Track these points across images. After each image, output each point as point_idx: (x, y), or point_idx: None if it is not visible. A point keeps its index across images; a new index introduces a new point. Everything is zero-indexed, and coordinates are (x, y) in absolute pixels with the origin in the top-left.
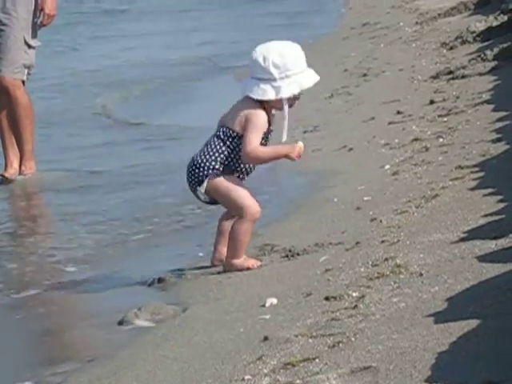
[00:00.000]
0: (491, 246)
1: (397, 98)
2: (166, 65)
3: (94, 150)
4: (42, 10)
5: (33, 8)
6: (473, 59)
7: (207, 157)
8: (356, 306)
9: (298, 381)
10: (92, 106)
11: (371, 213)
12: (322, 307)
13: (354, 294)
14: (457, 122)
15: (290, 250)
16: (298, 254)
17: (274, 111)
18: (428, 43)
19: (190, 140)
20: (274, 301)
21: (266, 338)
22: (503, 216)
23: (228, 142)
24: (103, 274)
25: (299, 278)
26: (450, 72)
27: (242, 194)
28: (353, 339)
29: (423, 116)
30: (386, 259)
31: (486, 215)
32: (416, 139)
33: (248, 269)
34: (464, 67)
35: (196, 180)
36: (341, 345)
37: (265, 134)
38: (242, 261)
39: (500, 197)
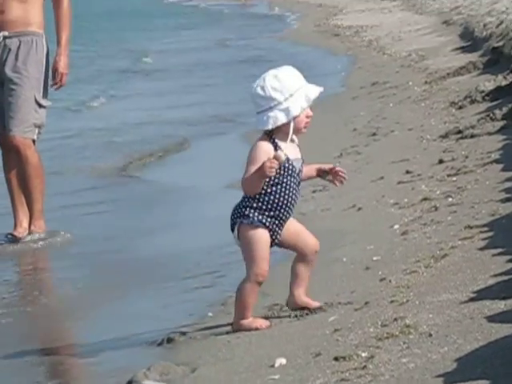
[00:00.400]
0: (500, 306)
1: (406, 157)
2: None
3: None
4: (56, 69)
5: (44, 67)
6: (482, 119)
7: (241, 202)
8: (365, 366)
9: None
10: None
11: (380, 273)
12: (331, 367)
13: (364, 355)
14: (466, 182)
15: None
16: (307, 314)
17: (295, 138)
18: (437, 102)
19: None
20: (284, 361)
21: None
22: None
23: None
24: (113, 334)
25: (308, 337)
26: (459, 131)
27: (257, 251)
28: None
29: (432, 175)
30: (396, 319)
31: (495, 275)
32: (425, 199)
33: (256, 329)
34: (473, 127)
35: (231, 224)
36: None
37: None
38: (249, 321)
39: (509, 257)
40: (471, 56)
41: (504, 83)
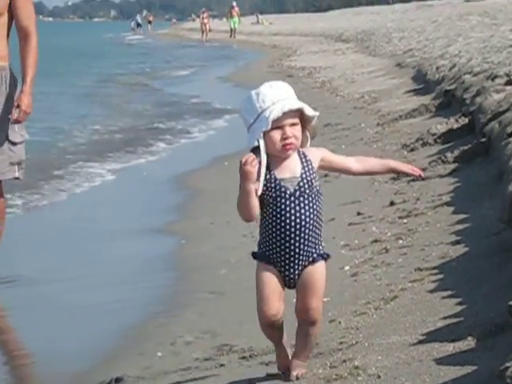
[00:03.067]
0: (449, 348)
1: (357, 199)
2: None
3: None
4: (18, 106)
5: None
6: (433, 161)
7: None
8: None
9: None
10: None
11: (330, 314)
12: None
13: None
14: (417, 224)
15: (248, 351)
16: (256, 355)
17: (286, 152)
18: (389, 144)
19: None
20: None
21: None
22: (461, 319)
23: None
24: (61, 373)
25: (258, 379)
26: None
27: (258, 290)
28: None
29: (383, 217)
30: (344, 361)
31: (444, 317)
32: (376, 240)
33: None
34: (424, 169)
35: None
36: None
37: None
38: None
39: (459, 299)
40: (424, 98)
41: (456, 126)
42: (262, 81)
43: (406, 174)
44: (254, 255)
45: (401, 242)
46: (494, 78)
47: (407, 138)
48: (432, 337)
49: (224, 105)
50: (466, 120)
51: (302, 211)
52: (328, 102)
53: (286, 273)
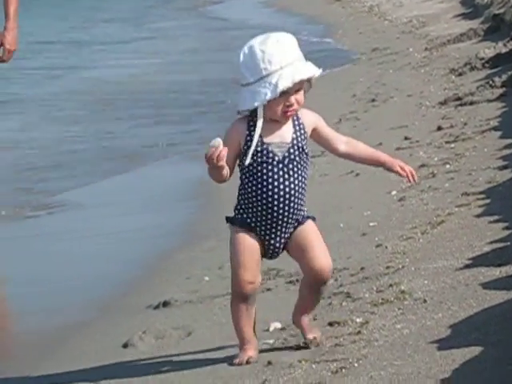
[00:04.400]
0: (496, 273)
1: (404, 123)
2: None
3: None
4: (1, 44)
5: None
6: (481, 86)
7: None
8: (360, 331)
9: None
10: None
11: (377, 239)
12: (325, 332)
13: (358, 320)
14: (464, 149)
15: (294, 275)
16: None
17: (286, 119)
18: (437, 69)
19: None
20: (278, 325)
21: (269, 363)
22: (508, 243)
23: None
24: (109, 297)
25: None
26: (458, 98)
27: (235, 258)
28: (356, 365)
29: (430, 142)
30: (391, 285)
31: (491, 242)
32: (423, 165)
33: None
34: (472, 94)
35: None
36: (344, 370)
37: (245, 150)
38: (240, 352)
39: (505, 224)
40: (472, 23)
41: (504, 50)
42: (306, 6)
43: (398, 174)
44: (231, 220)
45: (448, 166)
46: None
47: (455, 63)
48: (478, 261)
49: None
50: None
51: (291, 179)
52: (376, 27)
53: (272, 241)
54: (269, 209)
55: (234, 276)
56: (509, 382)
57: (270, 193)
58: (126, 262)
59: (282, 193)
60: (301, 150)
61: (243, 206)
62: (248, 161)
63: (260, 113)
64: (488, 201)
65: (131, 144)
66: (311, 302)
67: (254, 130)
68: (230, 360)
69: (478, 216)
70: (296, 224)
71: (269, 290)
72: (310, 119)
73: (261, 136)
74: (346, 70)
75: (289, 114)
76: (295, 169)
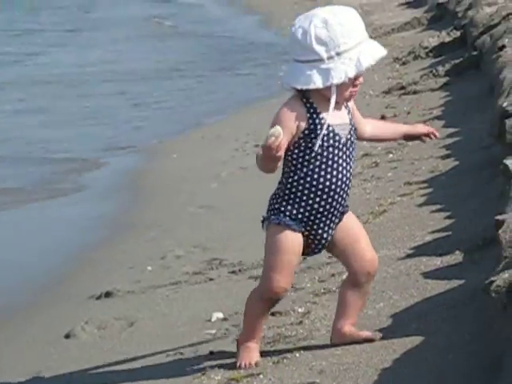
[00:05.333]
0: (437, 262)
1: None
2: None
3: None
4: None
5: None
6: (425, 75)
7: (276, 190)
8: (301, 321)
9: None
10: None
11: None
12: (267, 322)
13: (300, 310)
14: None
15: (237, 265)
16: (245, 269)
17: (350, 100)
18: (381, 58)
19: None
20: (220, 315)
21: (211, 353)
22: (450, 233)
23: (284, 165)
24: (51, 286)
25: (246, 292)
26: (402, 87)
27: (274, 261)
28: (297, 355)
29: None
30: (333, 275)
31: (432, 232)
32: (366, 154)
33: (240, 367)
34: (416, 83)
35: (262, 218)
36: (285, 360)
37: (307, 134)
38: (244, 348)
39: (447, 213)
40: (416, 12)
41: (447, 40)
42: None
43: (421, 139)
44: (274, 217)
45: (391, 155)
46: None
47: (399, 52)
48: (420, 251)
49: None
50: (458, 33)
51: (351, 163)
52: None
53: (324, 235)
54: (329, 197)
55: (268, 280)
56: (449, 371)
57: (334, 179)
58: (68, 253)
59: (344, 178)
60: (355, 130)
61: (292, 201)
62: (317, 146)
63: (334, 92)
64: (430, 190)
65: None
66: (357, 305)
67: (316, 112)
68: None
69: (420, 205)
70: (343, 212)
71: (211, 279)
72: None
73: (324, 118)
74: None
75: (354, 93)
76: (353, 152)
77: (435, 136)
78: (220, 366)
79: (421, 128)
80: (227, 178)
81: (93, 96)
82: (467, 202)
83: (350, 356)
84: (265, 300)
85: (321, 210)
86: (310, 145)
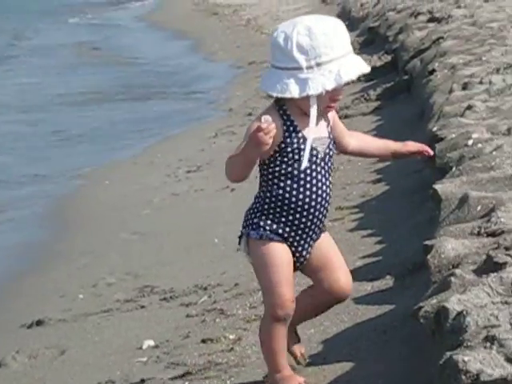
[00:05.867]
0: (367, 287)
1: None
2: None
3: None
4: None
5: None
6: (356, 99)
7: (252, 204)
8: (232, 348)
9: None
10: None
11: None
12: (198, 350)
13: (231, 337)
14: (338, 163)
15: (169, 292)
16: (177, 297)
17: (326, 114)
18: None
19: None
20: (152, 343)
21: (142, 381)
22: (380, 258)
23: (261, 179)
24: None
25: (177, 320)
26: None
27: (272, 275)
28: (228, 382)
29: None
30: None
31: (363, 257)
32: None
33: None
34: (347, 107)
35: (239, 234)
36: None
37: (283, 148)
38: (283, 377)
39: (378, 238)
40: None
41: (379, 64)
42: (181, 21)
43: (412, 156)
44: (258, 234)
45: None
46: (416, 15)
47: None
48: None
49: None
50: (389, 58)
51: (330, 178)
52: (253, 40)
53: (303, 252)
54: (309, 214)
55: (271, 296)
56: None
57: (314, 195)
58: None
59: (324, 194)
60: (334, 144)
61: (272, 215)
62: (304, 164)
63: (313, 103)
64: (361, 215)
65: None
66: (313, 315)
67: (292, 124)
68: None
69: (352, 230)
70: (321, 230)
71: (143, 307)
72: (332, 112)
73: (302, 132)
74: (223, 85)
75: (332, 108)
76: (332, 166)
77: (428, 154)
78: None
79: (411, 146)
80: (159, 204)
81: (13, 123)
82: (398, 226)
83: None
84: (277, 319)
85: (301, 226)
86: (285, 159)
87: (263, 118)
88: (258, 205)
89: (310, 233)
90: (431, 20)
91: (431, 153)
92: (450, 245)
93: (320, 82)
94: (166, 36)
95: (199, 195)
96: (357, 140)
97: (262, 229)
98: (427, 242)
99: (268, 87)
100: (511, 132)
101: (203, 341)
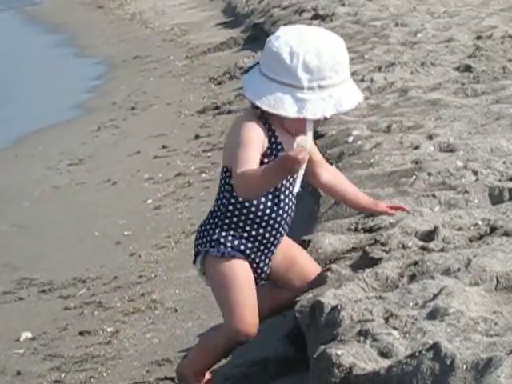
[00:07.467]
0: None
1: (163, 132)
2: None
3: None
4: None
5: None
6: (240, 95)
7: (207, 219)
8: (110, 341)
9: None
10: None
11: (131, 247)
12: (76, 342)
13: (109, 329)
14: (220, 158)
15: (48, 284)
16: (55, 289)
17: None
18: (197, 77)
19: None
20: (29, 335)
21: (18, 373)
22: None
23: (223, 189)
24: None
25: (56, 312)
26: (217, 107)
27: (236, 295)
28: (105, 375)
29: (188, 151)
30: (143, 294)
31: None
32: (180, 174)
33: None
34: (230, 103)
35: (194, 252)
36: (93, 380)
37: (264, 161)
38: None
39: None
40: (233, 32)
41: None
42: (68, 14)
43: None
44: (219, 251)
45: (204, 175)
46: (301, 12)
47: (215, 72)
48: None
49: None
50: None
51: (295, 194)
52: (138, 34)
53: (265, 268)
54: (274, 230)
55: (232, 319)
56: None
57: (280, 211)
58: None
59: (290, 210)
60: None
61: (234, 231)
62: (296, 189)
63: (310, 129)
64: None
65: None
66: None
67: (274, 136)
68: None
69: None
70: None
71: (21, 299)
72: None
73: (282, 147)
74: (107, 78)
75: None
76: (298, 180)
77: (405, 210)
78: None
79: (382, 208)
80: (39, 196)
81: None
82: None
83: (156, 375)
84: (236, 342)
85: (264, 241)
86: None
87: (300, 140)
88: (216, 220)
89: (272, 248)
90: (315, 17)
91: (408, 210)
92: (328, 240)
93: (319, 107)
94: (39, 30)
95: (80, 188)
96: (332, 174)
97: (222, 246)
98: (305, 237)
99: (255, 97)
100: (391, 129)
101: (81, 333)
